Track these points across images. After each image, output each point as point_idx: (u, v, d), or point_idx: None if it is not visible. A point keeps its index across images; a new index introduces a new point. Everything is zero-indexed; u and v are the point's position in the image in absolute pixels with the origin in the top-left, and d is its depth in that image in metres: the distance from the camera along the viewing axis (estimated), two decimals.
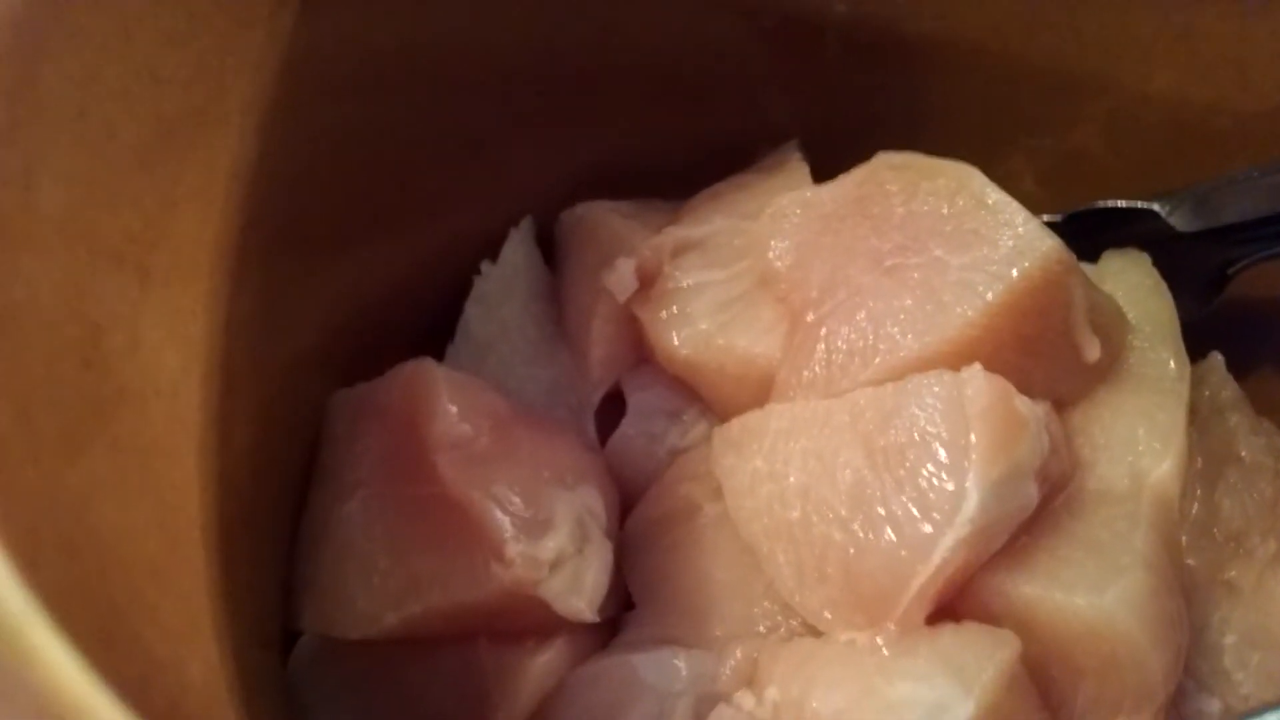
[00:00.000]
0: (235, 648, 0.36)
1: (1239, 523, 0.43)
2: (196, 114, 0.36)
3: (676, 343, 0.47)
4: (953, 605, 0.39)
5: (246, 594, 0.39)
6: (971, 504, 0.36)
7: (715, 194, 0.52)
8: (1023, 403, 0.38)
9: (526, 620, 0.42)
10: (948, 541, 0.36)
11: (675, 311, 0.48)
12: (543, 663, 0.42)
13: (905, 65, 0.54)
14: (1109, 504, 0.40)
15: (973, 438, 0.37)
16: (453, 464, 0.42)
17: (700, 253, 0.49)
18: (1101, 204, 0.50)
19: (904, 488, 0.38)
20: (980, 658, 0.36)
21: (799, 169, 0.52)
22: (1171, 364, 0.44)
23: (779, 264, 0.46)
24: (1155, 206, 0.48)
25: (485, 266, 0.53)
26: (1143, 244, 0.48)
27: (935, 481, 0.37)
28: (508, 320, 0.52)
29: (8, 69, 0.29)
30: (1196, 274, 0.49)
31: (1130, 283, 0.46)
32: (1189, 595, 0.41)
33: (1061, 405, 0.43)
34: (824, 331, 0.43)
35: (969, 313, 0.40)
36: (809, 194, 0.47)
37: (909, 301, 0.41)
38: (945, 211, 0.42)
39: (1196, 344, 0.46)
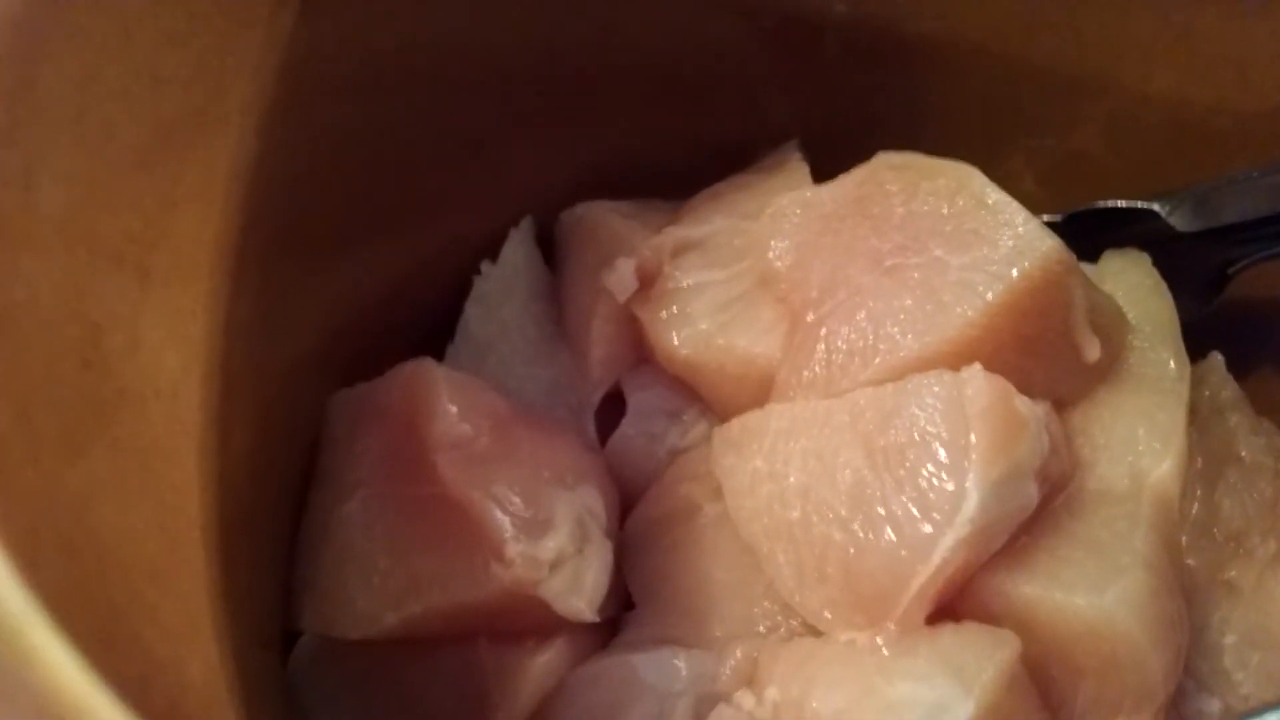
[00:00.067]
0: (235, 648, 0.36)
1: (1239, 523, 0.43)
2: (196, 114, 0.36)
3: (676, 343, 0.47)
4: (953, 605, 0.39)
5: (246, 594, 0.39)
6: (971, 504, 0.36)
7: (715, 194, 0.52)
8: (1023, 403, 0.38)
9: (526, 620, 0.42)
10: (948, 541, 0.36)
11: (675, 311, 0.48)
12: (543, 663, 0.42)
13: (905, 66, 0.54)
14: (1109, 504, 0.40)
15: (973, 438, 0.37)
16: (453, 464, 0.42)
17: (700, 253, 0.49)
18: (1101, 204, 0.50)
19: (904, 488, 0.38)
20: (980, 658, 0.36)
21: (799, 169, 0.52)
22: (1171, 364, 0.44)
23: (779, 264, 0.46)
24: (1155, 206, 0.48)
25: (485, 266, 0.53)
26: (1142, 244, 0.48)
27: (935, 481, 0.37)
28: (508, 320, 0.52)
29: (7, 69, 0.29)
30: (1196, 274, 0.49)
31: (1130, 283, 0.46)
32: (1189, 595, 0.41)
33: (1061, 405, 0.43)
34: (824, 331, 0.43)
35: (969, 313, 0.40)
36: (809, 194, 0.47)
37: (909, 301, 0.41)
38: (945, 211, 0.42)
39: (1196, 344, 0.45)
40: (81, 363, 0.31)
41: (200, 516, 0.35)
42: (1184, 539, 0.42)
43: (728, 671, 0.40)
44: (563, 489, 0.44)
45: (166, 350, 0.35)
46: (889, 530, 0.37)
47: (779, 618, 0.42)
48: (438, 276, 0.52)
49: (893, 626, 0.37)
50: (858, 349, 0.42)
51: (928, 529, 0.37)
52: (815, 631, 0.40)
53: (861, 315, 0.42)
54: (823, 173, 0.49)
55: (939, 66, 0.53)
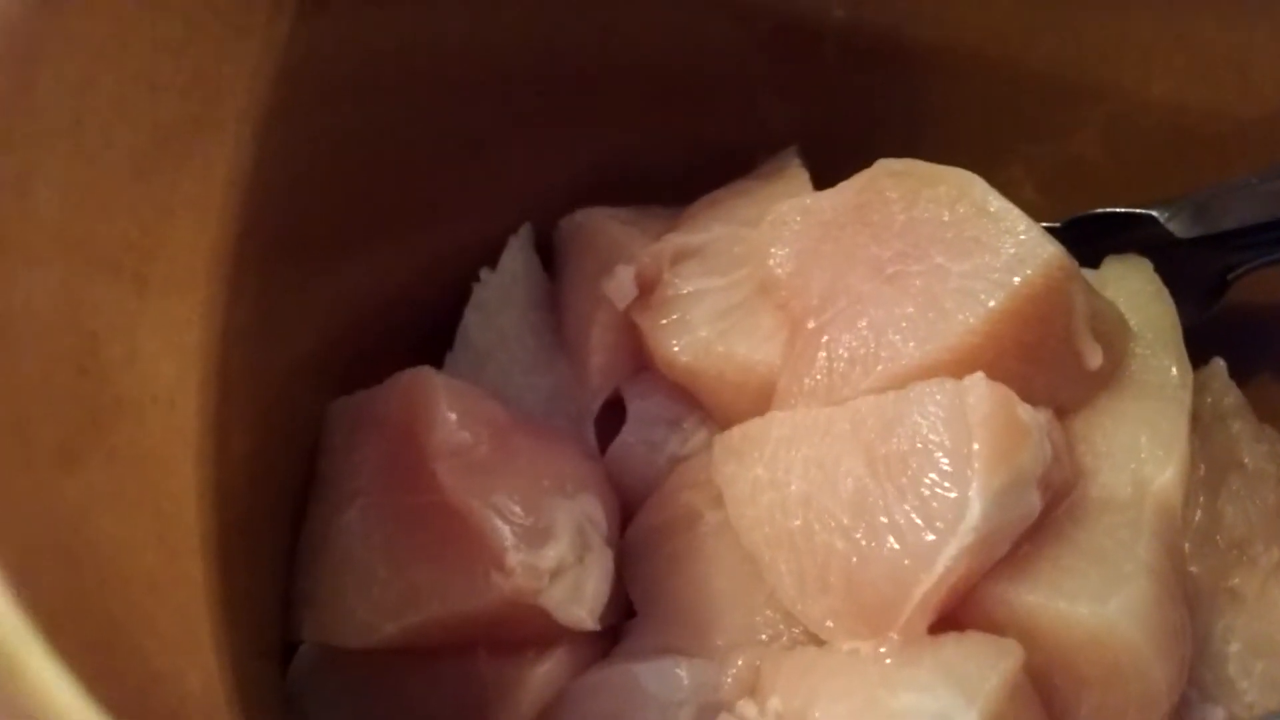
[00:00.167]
0: (234, 658, 0.35)
1: (1242, 530, 0.42)
2: (193, 121, 0.36)
3: (676, 350, 0.47)
4: (955, 614, 0.38)
5: (245, 604, 0.39)
6: (974, 512, 0.36)
7: (715, 200, 0.52)
8: (1025, 411, 0.38)
9: (527, 630, 0.42)
10: (951, 550, 0.36)
11: (675, 319, 0.48)
12: (543, 673, 0.42)
13: (904, 70, 0.54)
14: (1112, 512, 0.40)
15: (975, 446, 0.37)
16: (452, 472, 0.42)
17: (700, 260, 0.49)
18: (1101, 210, 0.50)
19: (906, 496, 0.37)
20: (983, 667, 0.36)
21: (799, 175, 0.52)
22: (1174, 370, 0.43)
23: (779, 271, 0.46)
24: (1154, 212, 0.48)
25: (484, 274, 0.53)
26: (1142, 250, 0.48)
27: (938, 490, 0.37)
28: (507, 328, 0.52)
29: (3, 76, 0.29)
30: (1196, 280, 0.48)
31: (1132, 289, 0.46)
32: (1192, 603, 0.41)
33: (1063, 412, 0.42)
34: (825, 339, 0.43)
35: (971, 320, 0.40)
36: (809, 201, 0.47)
37: (910, 309, 0.41)
38: (946, 219, 0.42)
39: (1198, 350, 0.45)
40: (78, 371, 0.31)
41: (198, 525, 0.35)
42: (1187, 547, 0.42)
43: (729, 681, 0.40)
44: (563, 497, 0.44)
45: (164, 358, 0.34)
46: (891, 539, 0.37)
47: (781, 626, 0.42)
48: (436, 283, 0.52)
49: (895, 636, 0.37)
50: (859, 356, 0.42)
51: (930, 538, 0.36)
52: (817, 640, 0.40)
53: (863, 323, 0.42)
54: (822, 178, 0.49)
55: (938, 71, 0.53)
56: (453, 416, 0.43)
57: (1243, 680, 0.41)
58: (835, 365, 0.42)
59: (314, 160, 0.43)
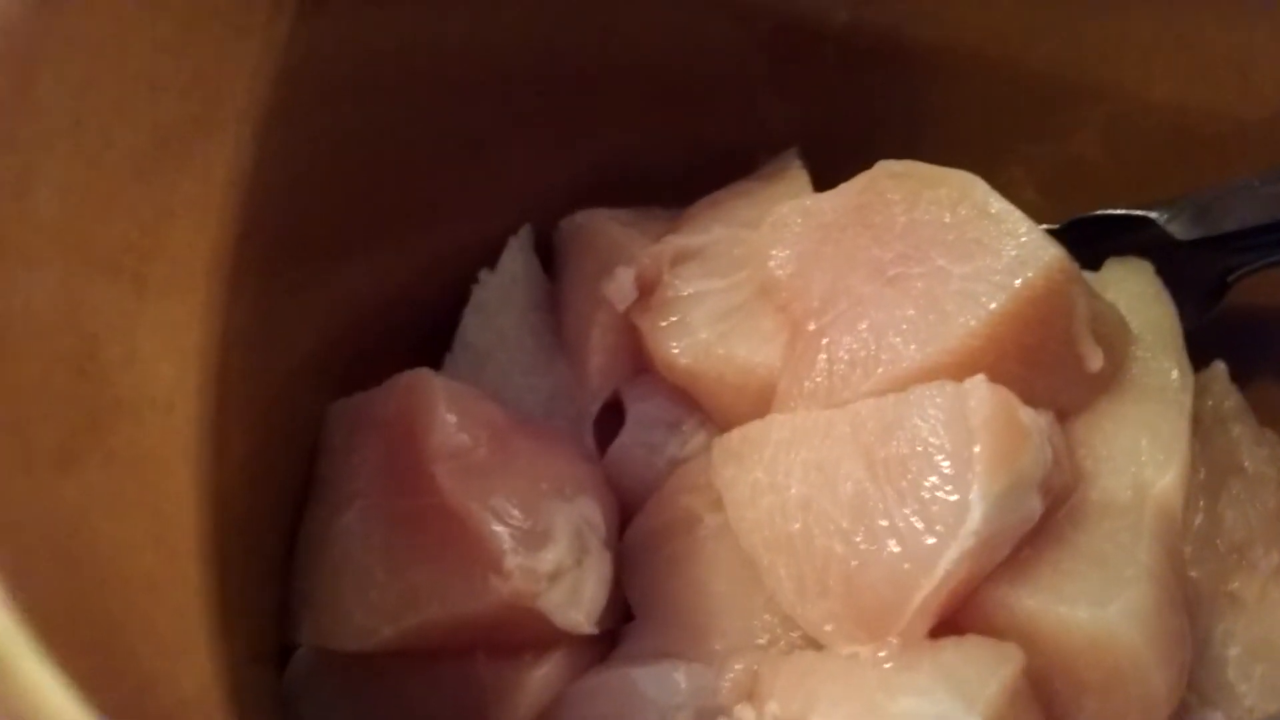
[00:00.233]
0: (231, 661, 0.35)
1: (1242, 534, 0.42)
2: (193, 122, 0.36)
3: (676, 352, 0.47)
4: (955, 618, 0.38)
5: (242, 606, 0.39)
6: (975, 516, 0.36)
7: (715, 202, 0.52)
8: (1026, 413, 0.38)
9: (525, 633, 0.42)
10: (951, 554, 0.36)
11: (675, 320, 0.48)
12: (541, 676, 0.42)
13: (904, 71, 0.54)
14: (1112, 516, 0.40)
15: (976, 449, 0.37)
16: (451, 475, 0.42)
17: (700, 261, 0.49)
18: (1100, 212, 0.50)
19: (906, 499, 0.37)
20: (983, 672, 0.36)
21: (799, 177, 0.52)
22: (1174, 374, 0.43)
23: (779, 273, 0.46)
24: (1154, 214, 0.48)
25: (484, 275, 0.53)
26: (1141, 252, 0.48)
27: (938, 493, 0.37)
28: (506, 329, 0.52)
29: (3, 76, 0.29)
30: (1196, 282, 0.48)
31: (1132, 292, 0.46)
32: (1192, 607, 0.40)
33: (1064, 416, 0.42)
34: (826, 341, 0.43)
35: (971, 322, 0.40)
36: (809, 203, 0.46)
37: (911, 311, 0.41)
38: (947, 220, 0.42)
39: (1199, 353, 0.45)
40: (77, 372, 0.31)
41: (196, 527, 0.35)
42: (1187, 550, 0.42)
43: (727, 685, 0.40)
44: (561, 500, 0.43)
45: (163, 360, 0.34)
46: (891, 542, 0.37)
47: (779, 630, 0.42)
48: (436, 284, 0.52)
49: (895, 640, 0.37)
50: (860, 359, 0.42)
51: (931, 541, 0.36)
52: (816, 645, 0.40)
53: (863, 325, 0.42)
54: (822, 179, 0.49)
55: (938, 71, 0.53)
56: (452, 419, 0.43)
57: (1242, 684, 0.41)
58: (835, 368, 0.42)
59: (314, 161, 0.43)
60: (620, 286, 0.48)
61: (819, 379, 0.42)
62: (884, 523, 0.37)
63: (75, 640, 0.24)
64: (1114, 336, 0.43)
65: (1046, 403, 0.41)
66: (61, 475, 0.29)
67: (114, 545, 0.30)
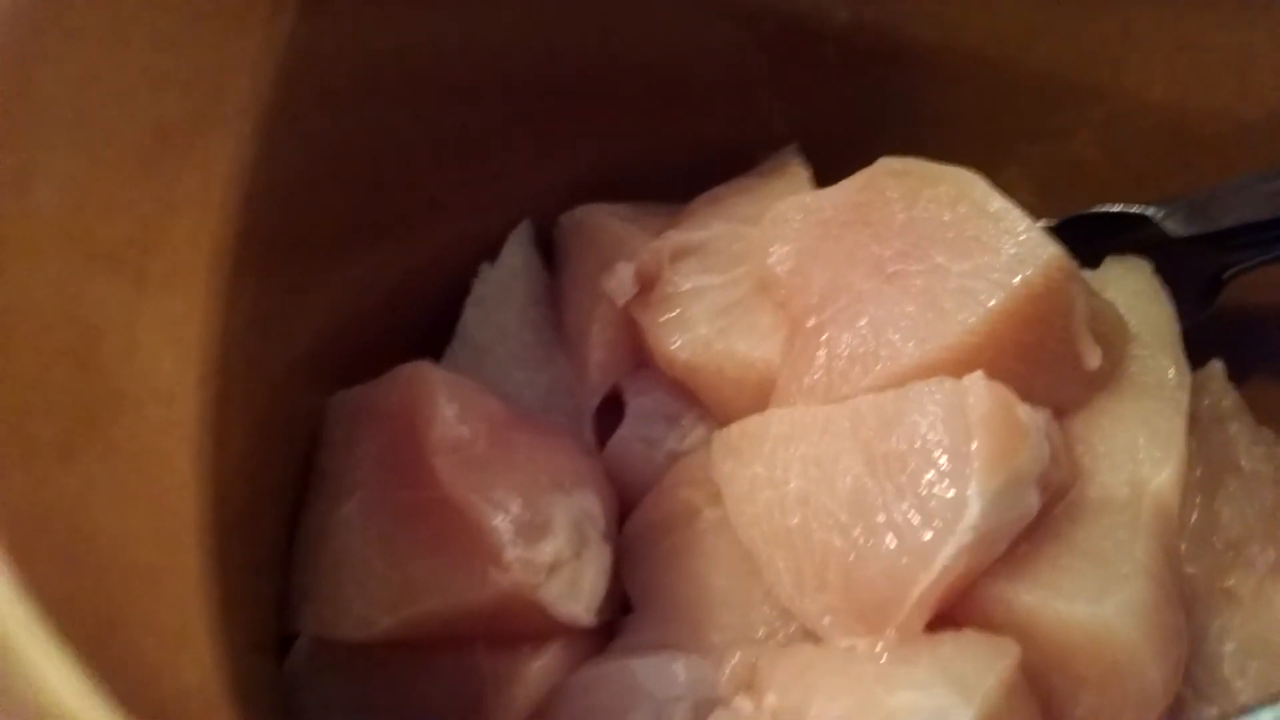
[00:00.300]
0: (231, 651, 0.35)
1: (1238, 531, 0.42)
2: (194, 118, 0.36)
3: (675, 347, 0.47)
4: (953, 613, 0.38)
5: (242, 597, 0.39)
6: (973, 511, 0.36)
7: (715, 198, 0.52)
8: (1024, 410, 0.38)
9: (524, 625, 0.42)
10: (949, 549, 0.36)
11: (674, 315, 0.48)
12: (539, 667, 0.42)
13: (904, 71, 0.54)
14: (1109, 512, 0.40)
15: (974, 445, 0.37)
16: (451, 467, 0.42)
17: (699, 257, 0.49)
18: (1096, 209, 0.50)
19: (905, 495, 0.37)
20: (980, 666, 0.36)
21: (799, 173, 0.52)
22: (1172, 372, 0.44)
23: (779, 269, 0.46)
24: (1149, 211, 0.48)
25: (484, 269, 0.53)
26: (1137, 249, 0.48)
27: (936, 489, 0.37)
28: (506, 323, 0.52)
29: (4, 71, 0.29)
30: (1192, 279, 0.48)
31: (1130, 290, 0.46)
32: (1188, 604, 0.41)
33: (1062, 413, 0.42)
34: (825, 337, 0.43)
35: (970, 320, 0.40)
36: (809, 199, 0.47)
37: (910, 308, 0.41)
38: (946, 218, 0.42)
39: (1197, 351, 0.45)
40: (77, 365, 0.31)
41: (196, 519, 0.35)
42: (1183, 547, 0.42)
43: (726, 677, 0.40)
44: (561, 493, 0.44)
45: (163, 353, 0.34)
46: (890, 537, 0.37)
47: (778, 623, 0.42)
48: (436, 279, 0.52)
49: (893, 634, 0.37)
50: (859, 355, 0.42)
51: (929, 536, 0.36)
52: (814, 638, 0.40)
53: (863, 322, 0.42)
54: (821, 177, 0.49)
55: (938, 71, 0.53)
56: (451, 411, 0.43)
57: (1237, 680, 0.41)
58: (835, 363, 0.42)
59: (315, 157, 0.43)
60: (620, 281, 0.48)
61: (818, 375, 0.43)
62: (882, 517, 0.38)
63: (77, 631, 0.24)
64: (1112, 334, 0.43)
65: (1044, 400, 0.41)
66: (62, 467, 0.29)
67: (115, 536, 0.30)
